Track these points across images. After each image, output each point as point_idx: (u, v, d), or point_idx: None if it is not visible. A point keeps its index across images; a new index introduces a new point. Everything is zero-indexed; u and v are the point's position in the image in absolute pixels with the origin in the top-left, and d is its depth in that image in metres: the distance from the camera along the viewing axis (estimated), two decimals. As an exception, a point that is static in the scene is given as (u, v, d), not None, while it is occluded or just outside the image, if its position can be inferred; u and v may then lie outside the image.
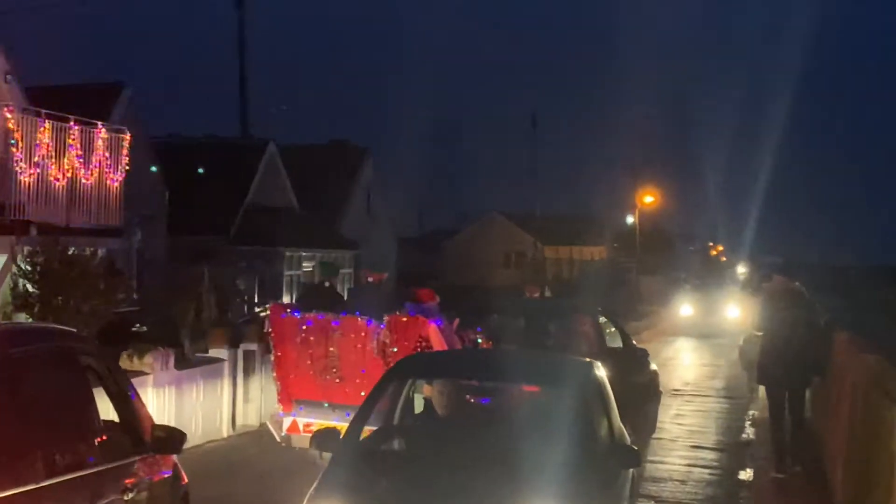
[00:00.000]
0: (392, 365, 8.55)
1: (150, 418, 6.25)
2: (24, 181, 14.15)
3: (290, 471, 10.09)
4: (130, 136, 16.30)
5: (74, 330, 6.68)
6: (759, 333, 11.82)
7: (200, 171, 27.39)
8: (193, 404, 12.71)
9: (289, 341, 10.38)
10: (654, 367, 14.54)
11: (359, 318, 10.09)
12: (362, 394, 8.64)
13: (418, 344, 9.67)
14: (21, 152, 14.08)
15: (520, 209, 57.89)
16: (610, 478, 6.79)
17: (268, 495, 10.02)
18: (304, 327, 10.27)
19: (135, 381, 7.74)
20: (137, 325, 15.86)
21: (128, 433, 5.90)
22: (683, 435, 14.27)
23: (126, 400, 6.02)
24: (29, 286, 12.67)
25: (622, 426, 7.67)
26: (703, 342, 30.55)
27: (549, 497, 5.91)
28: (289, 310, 10.58)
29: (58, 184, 14.70)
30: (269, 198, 29.34)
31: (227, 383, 13.60)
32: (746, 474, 11.28)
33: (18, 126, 14.12)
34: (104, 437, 5.57)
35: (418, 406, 8.18)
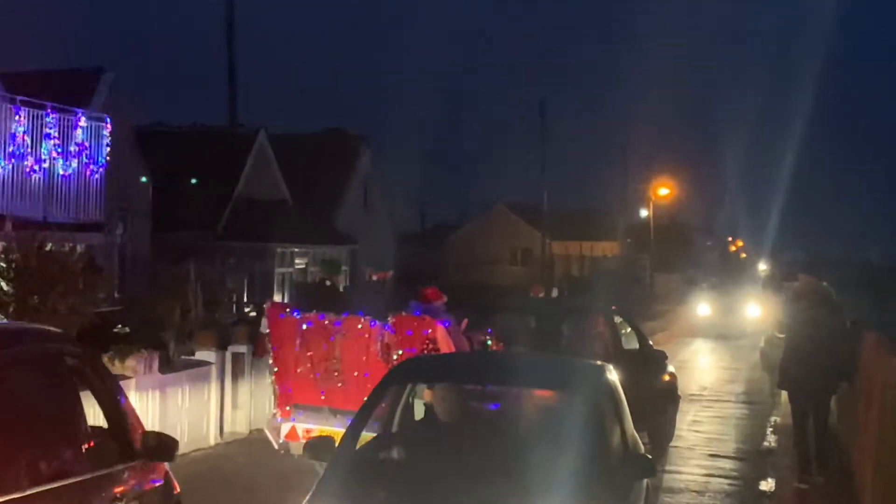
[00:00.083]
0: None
1: (141, 424, 6.31)
2: (-1, 173, 14.22)
3: (284, 481, 10.15)
4: (112, 125, 16.33)
5: (61, 330, 6.71)
6: (781, 335, 11.83)
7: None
8: (179, 410, 12.74)
9: (288, 343, 10.39)
10: (672, 369, 14.60)
11: (362, 319, 10.12)
12: (365, 398, 8.66)
13: (424, 346, 9.68)
14: (-6, 142, 14.15)
15: (527, 202, 57.31)
16: (623, 489, 6.80)
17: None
18: (304, 328, 10.31)
19: (117, 385, 7.76)
20: (119, 325, 15.86)
21: (117, 439, 5.95)
22: (701, 443, 14.32)
23: (115, 405, 6.06)
24: (3, 284, 12.70)
25: (636, 434, 7.69)
26: (721, 344, 30.58)
27: (556, 510, 5.92)
28: (288, 309, 10.62)
29: (34, 175, 14.73)
30: (259, 190, 29.28)
31: (214, 388, 13.61)
32: (768, 485, 11.29)
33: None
34: (92, 444, 5.61)
35: (418, 412, 8.20)
